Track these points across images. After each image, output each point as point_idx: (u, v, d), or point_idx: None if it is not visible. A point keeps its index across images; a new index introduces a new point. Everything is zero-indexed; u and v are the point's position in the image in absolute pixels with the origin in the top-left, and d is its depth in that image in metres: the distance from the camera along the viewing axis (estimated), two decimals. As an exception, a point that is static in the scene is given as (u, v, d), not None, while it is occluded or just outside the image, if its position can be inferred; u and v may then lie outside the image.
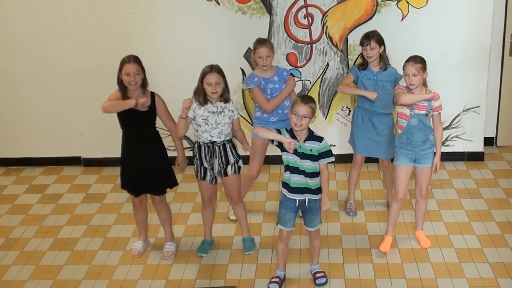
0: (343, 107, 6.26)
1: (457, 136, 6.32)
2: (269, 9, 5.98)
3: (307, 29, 6.04)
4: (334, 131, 6.33)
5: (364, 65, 5.10)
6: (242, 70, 6.14)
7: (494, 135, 6.71)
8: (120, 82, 4.55)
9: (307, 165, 4.19)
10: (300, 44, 6.08)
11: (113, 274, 4.70)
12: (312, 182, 4.23)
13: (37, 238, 5.25)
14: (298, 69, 6.15)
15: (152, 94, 4.66)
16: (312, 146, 4.17)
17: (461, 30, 6.00)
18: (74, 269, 4.78)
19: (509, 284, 4.36)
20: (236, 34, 6.05)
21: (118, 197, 5.92)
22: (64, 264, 4.86)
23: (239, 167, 4.74)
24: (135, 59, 4.52)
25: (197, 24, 6.07)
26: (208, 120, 4.55)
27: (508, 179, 5.97)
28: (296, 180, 4.23)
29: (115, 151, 6.50)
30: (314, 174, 4.23)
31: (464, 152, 6.36)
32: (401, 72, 4.76)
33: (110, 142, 6.47)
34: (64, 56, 6.24)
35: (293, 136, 4.17)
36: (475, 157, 6.37)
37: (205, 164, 4.65)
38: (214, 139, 4.58)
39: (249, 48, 6.04)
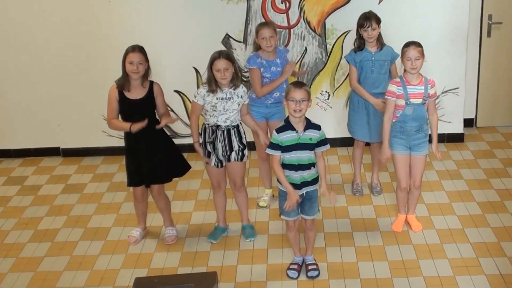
0: (322, 91, 6.24)
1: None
2: (246, -6, 5.94)
3: (285, 14, 6.01)
4: (314, 116, 6.28)
5: (360, 46, 5.05)
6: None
7: (473, 116, 6.74)
8: (124, 70, 4.52)
9: (304, 156, 4.13)
10: (278, 29, 6.02)
11: (94, 264, 4.67)
12: (308, 174, 4.18)
13: (16, 230, 5.20)
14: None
15: (151, 83, 4.62)
16: (312, 135, 4.12)
17: (439, 12, 6.00)
18: (55, 261, 4.75)
19: (490, 263, 4.39)
20: (213, 20, 6.00)
21: (98, 187, 5.88)
22: (45, 255, 4.82)
23: (243, 155, 4.73)
24: (140, 49, 4.50)
25: (173, 10, 6.02)
26: (216, 106, 4.54)
27: (488, 159, 6.00)
28: (293, 177, 4.16)
29: (94, 141, 6.52)
30: (310, 165, 4.16)
31: (444, 133, 6.37)
32: (398, 52, 4.73)
33: (89, 132, 6.46)
34: (41, 46, 6.18)
35: (291, 128, 4.09)
36: (455, 138, 6.40)
37: (208, 148, 4.65)
38: (219, 123, 4.59)
39: (226, 34, 6.01)
